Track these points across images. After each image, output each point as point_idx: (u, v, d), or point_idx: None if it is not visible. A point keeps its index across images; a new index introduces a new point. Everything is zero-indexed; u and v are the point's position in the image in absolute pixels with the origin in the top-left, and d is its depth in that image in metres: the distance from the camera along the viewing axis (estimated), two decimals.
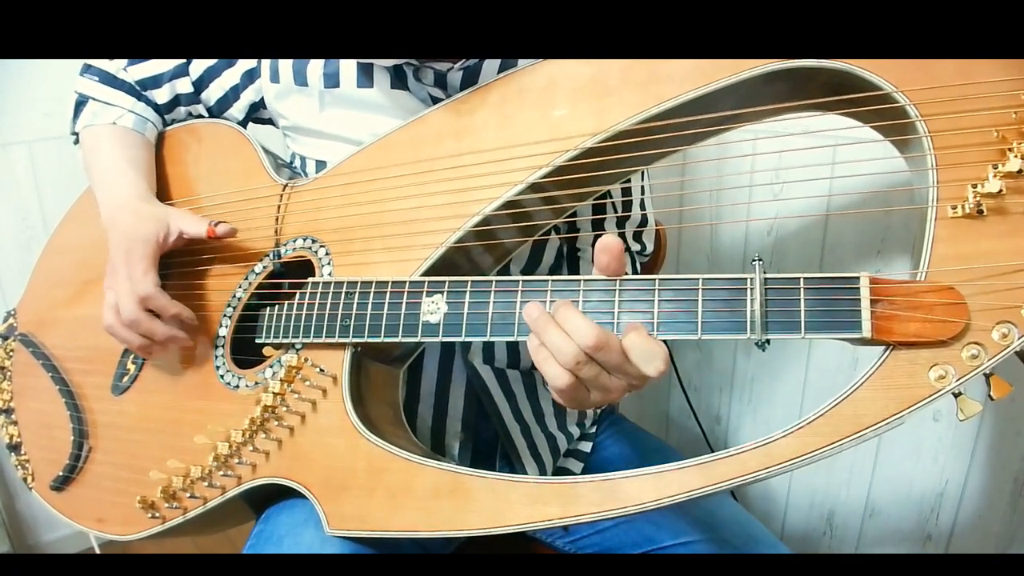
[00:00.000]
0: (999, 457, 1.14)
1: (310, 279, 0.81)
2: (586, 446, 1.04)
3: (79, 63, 0.99)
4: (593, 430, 1.06)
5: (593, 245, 0.92)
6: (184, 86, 0.98)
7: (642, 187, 0.95)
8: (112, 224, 0.89)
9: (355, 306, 0.76)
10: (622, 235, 0.95)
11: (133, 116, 0.97)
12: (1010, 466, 1.13)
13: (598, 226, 0.92)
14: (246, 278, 0.87)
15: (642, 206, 0.96)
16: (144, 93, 0.99)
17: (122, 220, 0.88)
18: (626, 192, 0.92)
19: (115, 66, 0.98)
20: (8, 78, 1.46)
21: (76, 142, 1.01)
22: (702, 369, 1.44)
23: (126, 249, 0.85)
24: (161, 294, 0.85)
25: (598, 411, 1.08)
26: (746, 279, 0.62)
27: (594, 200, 0.78)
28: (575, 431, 1.03)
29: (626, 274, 0.66)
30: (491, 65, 0.83)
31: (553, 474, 0.98)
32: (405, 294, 0.74)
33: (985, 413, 1.14)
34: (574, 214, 0.85)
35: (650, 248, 0.99)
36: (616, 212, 0.93)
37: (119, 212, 0.90)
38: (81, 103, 0.98)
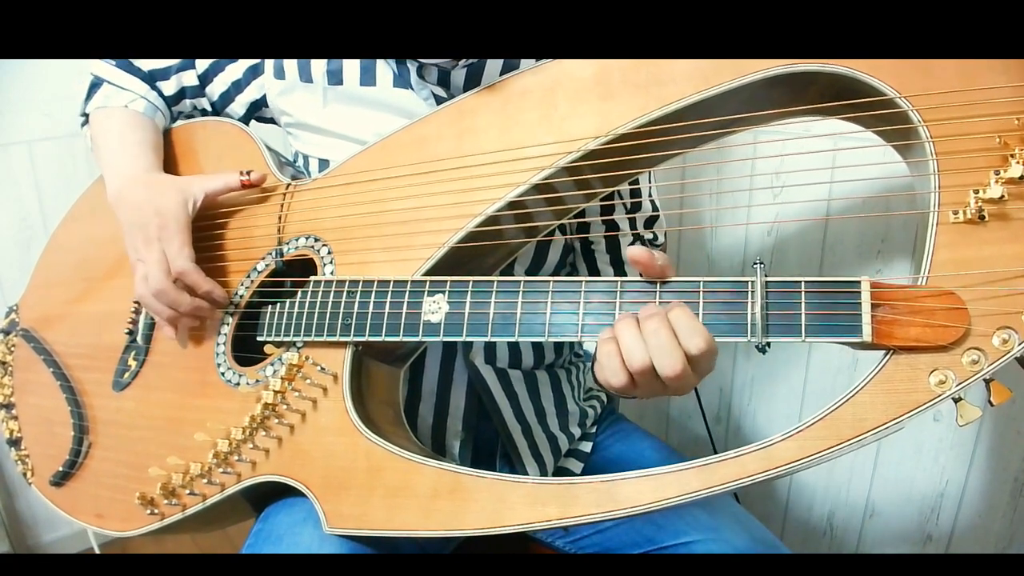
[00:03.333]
0: (999, 457, 1.14)
1: (312, 278, 0.81)
2: (587, 446, 1.04)
3: (79, 63, 0.99)
4: (594, 430, 1.06)
5: (605, 239, 0.93)
6: (190, 79, 0.98)
7: (650, 186, 0.95)
8: (120, 200, 0.89)
9: (356, 305, 0.76)
10: (635, 234, 0.95)
11: (145, 102, 0.97)
12: (1010, 466, 1.13)
13: (609, 222, 0.93)
14: (248, 276, 0.88)
15: (652, 204, 0.96)
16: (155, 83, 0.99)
17: (134, 194, 0.88)
18: (635, 192, 0.93)
19: None
20: (8, 78, 1.46)
21: (84, 123, 1.02)
22: None
23: (159, 224, 0.84)
24: (196, 270, 0.84)
25: (599, 411, 1.08)
26: (747, 282, 0.62)
27: (602, 199, 0.78)
28: (576, 431, 1.03)
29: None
30: (494, 64, 0.83)
31: (554, 474, 0.98)
32: (407, 293, 0.74)
33: (985, 414, 1.14)
34: (583, 211, 0.85)
35: (662, 239, 0.99)
36: (625, 209, 0.93)
37: (129, 186, 0.89)
38: (95, 85, 0.99)
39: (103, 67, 0.98)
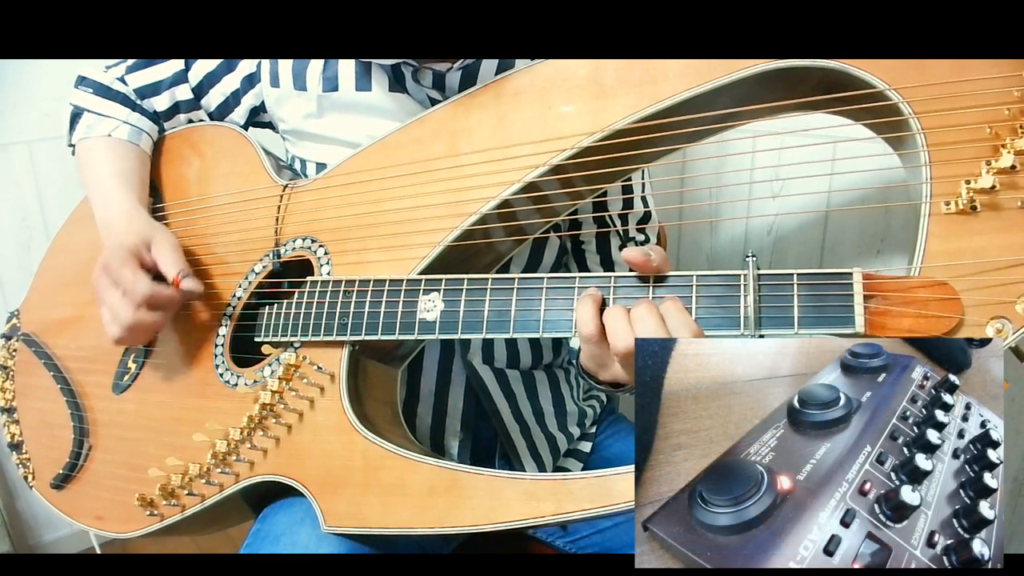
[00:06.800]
0: None
1: (308, 278, 0.81)
2: (586, 446, 1.04)
3: (79, 63, 1.00)
4: (593, 430, 1.06)
5: (596, 239, 0.93)
6: (183, 92, 0.98)
7: (643, 184, 0.95)
8: (105, 238, 0.91)
9: (353, 304, 0.77)
10: (625, 231, 0.95)
11: (128, 127, 0.97)
12: (1010, 466, 1.13)
13: (600, 221, 0.93)
14: (246, 277, 0.88)
15: (644, 203, 0.96)
16: (140, 103, 0.99)
17: (111, 234, 0.89)
18: (627, 189, 0.93)
19: (109, 77, 0.98)
20: (8, 78, 1.46)
21: (74, 153, 1.02)
22: None
23: (104, 263, 0.84)
24: (162, 288, 0.83)
25: (598, 411, 1.08)
26: (740, 275, 0.62)
27: (594, 197, 0.79)
28: (575, 431, 1.03)
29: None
30: (489, 65, 0.83)
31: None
32: (402, 292, 0.74)
33: None
34: (576, 210, 0.85)
35: (653, 240, 0.99)
36: (618, 207, 0.93)
37: (109, 227, 0.91)
38: (76, 115, 0.99)
39: (81, 96, 0.98)
